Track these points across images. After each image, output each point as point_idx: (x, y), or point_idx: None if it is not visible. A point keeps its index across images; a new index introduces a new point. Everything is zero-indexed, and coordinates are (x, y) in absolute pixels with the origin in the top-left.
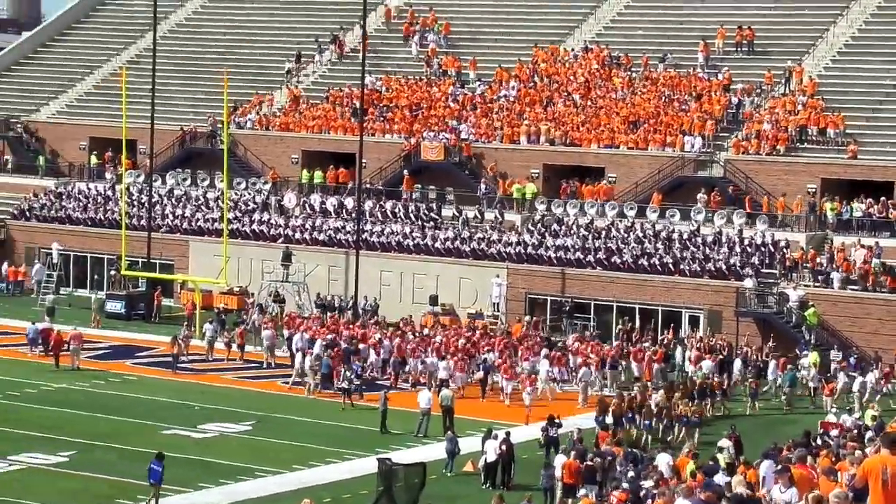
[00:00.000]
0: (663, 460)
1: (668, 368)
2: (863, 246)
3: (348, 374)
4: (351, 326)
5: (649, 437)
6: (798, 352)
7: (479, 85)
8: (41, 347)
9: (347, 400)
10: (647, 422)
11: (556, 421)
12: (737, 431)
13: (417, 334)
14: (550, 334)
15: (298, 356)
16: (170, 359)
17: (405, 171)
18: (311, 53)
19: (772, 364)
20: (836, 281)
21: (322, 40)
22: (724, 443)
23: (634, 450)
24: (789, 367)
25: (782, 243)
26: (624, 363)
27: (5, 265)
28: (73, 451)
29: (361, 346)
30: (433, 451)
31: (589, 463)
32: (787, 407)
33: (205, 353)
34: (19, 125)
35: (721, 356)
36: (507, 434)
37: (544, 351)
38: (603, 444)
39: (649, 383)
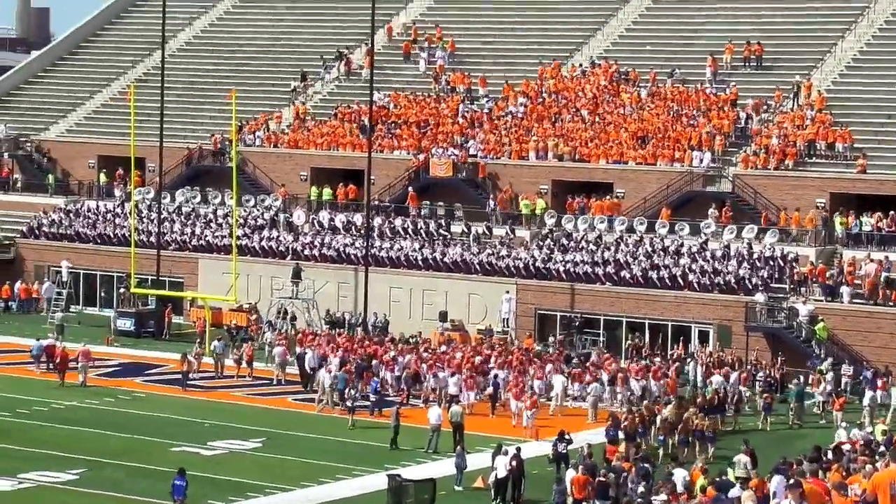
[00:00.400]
0: (680, 475)
1: (679, 383)
2: (872, 260)
3: (352, 391)
4: (366, 344)
5: (661, 452)
6: (810, 365)
7: (488, 101)
8: (46, 364)
9: (353, 416)
10: (660, 437)
11: (567, 437)
12: (750, 445)
13: (431, 351)
14: (570, 350)
15: (323, 374)
16: (179, 376)
17: (410, 188)
18: (319, 71)
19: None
20: (845, 295)
21: (328, 58)
22: (741, 458)
23: (646, 465)
24: (795, 382)
25: (791, 257)
26: (642, 381)
27: (18, 283)
28: (83, 468)
29: (374, 362)
30: (443, 467)
31: (602, 479)
32: (796, 422)
33: (215, 371)
34: (29, 144)
35: (745, 372)
36: (518, 450)
37: (549, 367)
38: (614, 460)
39: (672, 398)
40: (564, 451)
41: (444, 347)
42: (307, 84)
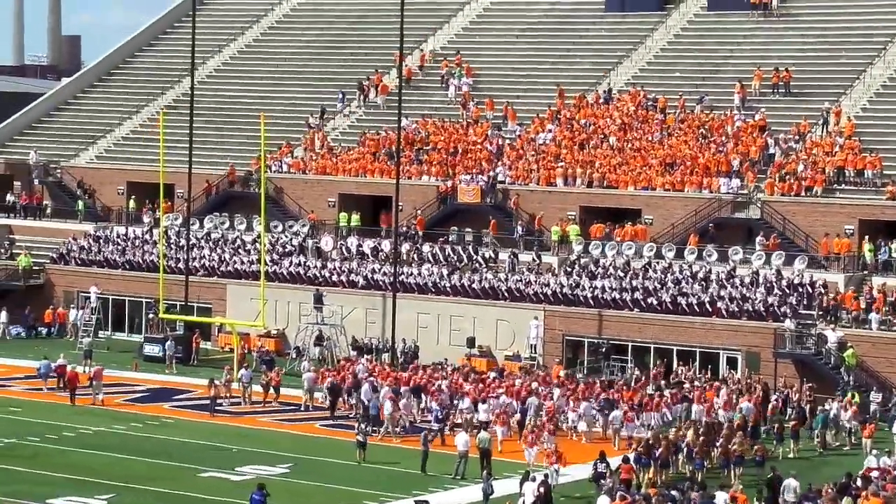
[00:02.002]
0: (721, 498)
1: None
2: None
3: (363, 426)
4: (419, 373)
5: (699, 476)
6: (839, 393)
7: (519, 129)
8: (57, 384)
9: (362, 452)
10: (698, 462)
11: (607, 459)
12: (778, 471)
13: (483, 380)
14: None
15: (386, 402)
16: (207, 402)
17: (418, 212)
18: (342, 101)
19: (841, 407)
20: (874, 322)
21: (347, 91)
22: (790, 482)
23: (673, 492)
24: (821, 409)
25: (820, 284)
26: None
27: (61, 308)
28: (111, 493)
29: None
30: (471, 494)
31: None
32: (820, 448)
33: (242, 398)
34: (59, 170)
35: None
36: (546, 476)
37: (601, 397)
38: (644, 487)
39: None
40: (604, 472)
41: (493, 374)
42: (325, 120)
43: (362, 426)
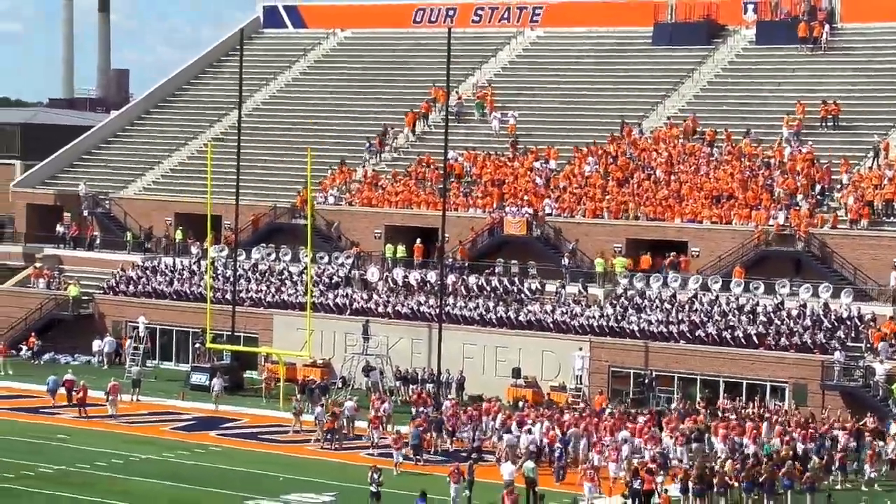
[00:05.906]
0: None
1: None
2: None
3: (376, 476)
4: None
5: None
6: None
7: (564, 163)
8: (67, 398)
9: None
10: (747, 483)
11: (640, 475)
12: (833, 500)
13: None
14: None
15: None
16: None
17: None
18: (398, 126)
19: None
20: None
21: (371, 138)
22: None
23: None
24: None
25: (868, 316)
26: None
27: (117, 340)
28: None
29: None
30: None
31: None
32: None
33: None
34: (108, 202)
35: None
36: None
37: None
38: None
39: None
40: (638, 488)
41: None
42: (348, 169)
43: (375, 476)
